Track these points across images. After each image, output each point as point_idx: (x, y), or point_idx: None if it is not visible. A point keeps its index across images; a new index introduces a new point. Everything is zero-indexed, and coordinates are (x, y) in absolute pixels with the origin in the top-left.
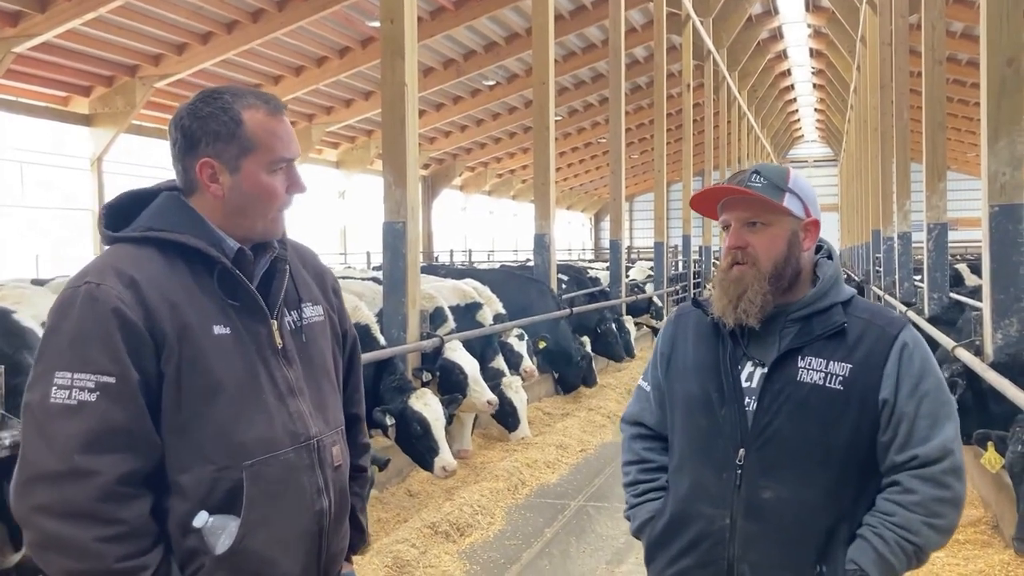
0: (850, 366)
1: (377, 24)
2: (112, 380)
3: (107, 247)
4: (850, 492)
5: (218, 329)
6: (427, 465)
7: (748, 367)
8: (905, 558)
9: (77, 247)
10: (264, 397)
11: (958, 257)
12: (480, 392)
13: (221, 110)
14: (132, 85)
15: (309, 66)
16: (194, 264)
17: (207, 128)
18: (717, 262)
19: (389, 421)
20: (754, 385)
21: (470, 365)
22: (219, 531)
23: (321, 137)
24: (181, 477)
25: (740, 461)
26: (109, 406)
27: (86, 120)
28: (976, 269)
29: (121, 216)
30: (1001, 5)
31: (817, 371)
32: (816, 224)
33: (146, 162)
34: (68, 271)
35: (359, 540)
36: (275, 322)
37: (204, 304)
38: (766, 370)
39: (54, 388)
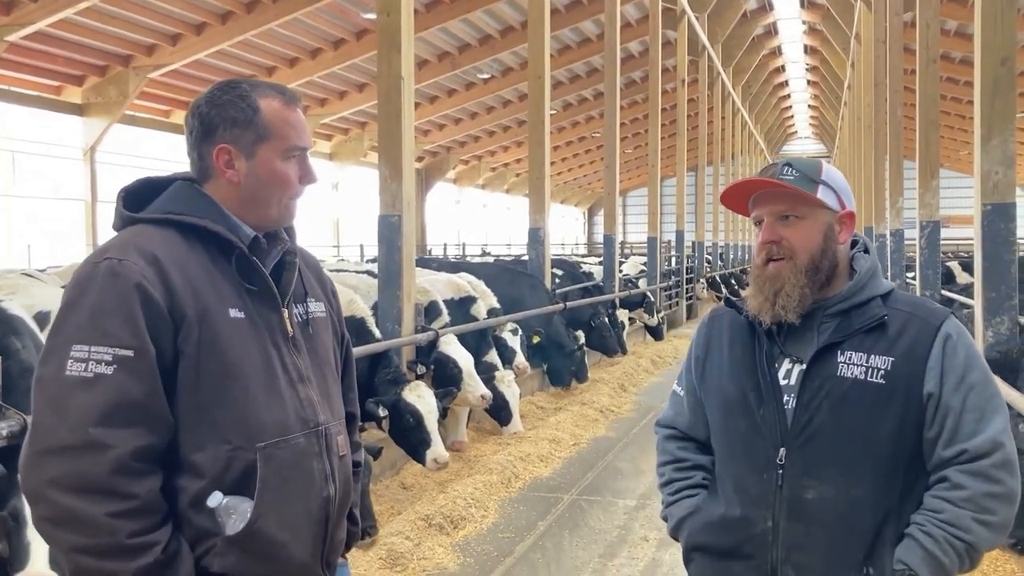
0: (892, 359)
1: (372, 16)
2: (131, 354)
3: (124, 229)
4: (895, 490)
5: (234, 313)
6: (419, 457)
7: (785, 364)
8: (956, 557)
9: (69, 237)
10: (277, 382)
11: (950, 255)
12: (474, 386)
13: (239, 98)
14: (126, 75)
15: (303, 57)
16: (211, 248)
17: (225, 115)
18: (709, 257)
19: (382, 412)
20: (792, 382)
21: (465, 359)
22: (232, 511)
23: (315, 129)
24: (196, 456)
25: (781, 461)
26: (126, 379)
27: (79, 110)
28: (967, 267)
29: (137, 201)
30: (995, 5)
31: (858, 365)
32: (851, 216)
33: (139, 152)
34: (60, 261)
35: (354, 534)
36: (285, 311)
37: (222, 287)
38: (804, 366)
39: (70, 361)
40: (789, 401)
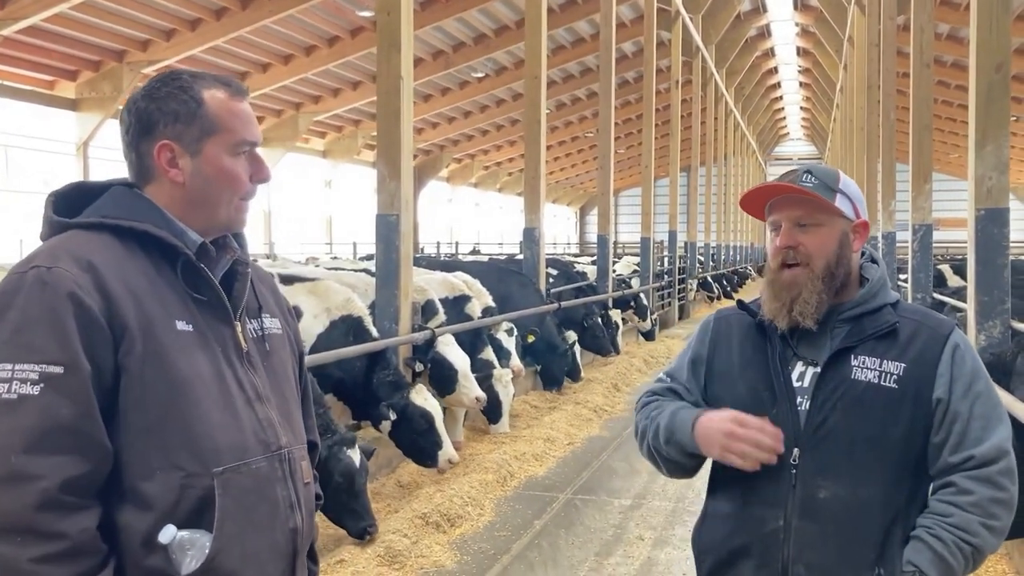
0: (904, 365)
1: (367, 14)
2: (60, 370)
3: (54, 236)
4: (904, 492)
5: (181, 325)
6: (430, 459)
7: (799, 367)
8: (963, 559)
9: None
10: (233, 401)
11: (940, 257)
12: (469, 389)
13: (180, 90)
14: (119, 70)
15: (298, 54)
16: (154, 255)
17: (166, 108)
18: (701, 258)
19: (392, 416)
20: (806, 384)
21: (462, 361)
22: (188, 547)
23: (308, 126)
24: (144, 485)
25: (795, 461)
26: (55, 400)
27: (72, 105)
28: (959, 270)
29: (69, 206)
30: (990, 11)
31: (871, 369)
32: (866, 226)
33: None
34: None
35: (314, 572)
36: (239, 324)
37: (167, 297)
38: (819, 369)
39: None
40: (802, 402)
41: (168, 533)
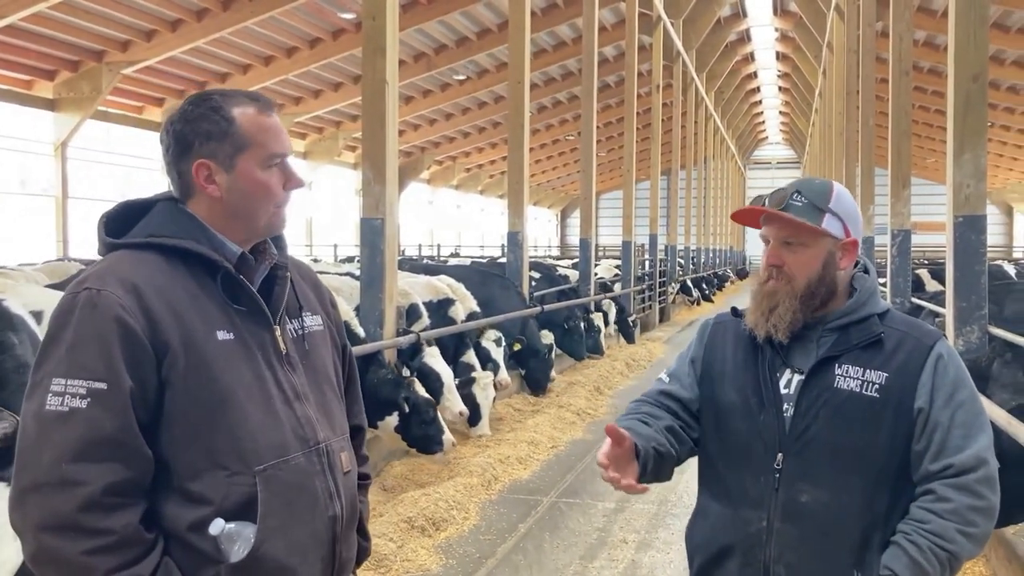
0: (886, 374)
1: (348, 16)
2: (104, 386)
3: (106, 255)
4: (884, 499)
5: (222, 335)
6: (438, 444)
7: (786, 374)
8: (939, 565)
9: (39, 233)
10: (272, 402)
11: (918, 262)
12: (453, 402)
13: (211, 110)
14: (99, 71)
15: (279, 56)
16: (196, 270)
17: (199, 129)
18: (682, 261)
19: (407, 409)
20: (792, 392)
21: (447, 374)
22: (235, 537)
23: (289, 128)
24: (193, 484)
25: (779, 465)
26: (100, 413)
27: (50, 105)
28: (936, 274)
29: (119, 225)
30: (968, 23)
31: (854, 378)
32: (855, 244)
33: (111, 149)
34: (29, 257)
35: (364, 550)
36: (278, 328)
37: (208, 310)
38: (803, 377)
39: (49, 395)
40: (788, 409)
41: (217, 526)
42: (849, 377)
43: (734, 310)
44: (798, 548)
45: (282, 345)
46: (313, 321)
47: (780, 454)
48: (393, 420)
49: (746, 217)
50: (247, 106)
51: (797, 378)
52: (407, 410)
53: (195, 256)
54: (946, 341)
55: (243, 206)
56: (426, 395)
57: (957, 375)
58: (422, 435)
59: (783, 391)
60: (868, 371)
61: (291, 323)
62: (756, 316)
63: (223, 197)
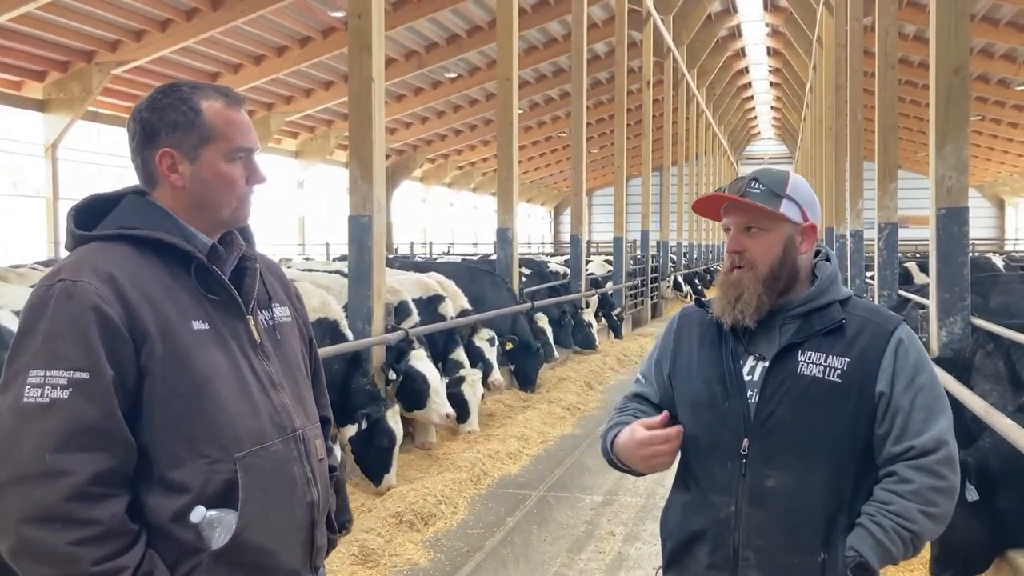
0: (848, 360)
1: (339, 15)
2: (86, 376)
3: (75, 248)
4: (849, 482)
5: (197, 324)
6: (376, 478)
7: (750, 362)
8: (902, 545)
9: (29, 234)
10: (250, 390)
11: (906, 255)
12: (439, 405)
13: (179, 100)
14: (88, 71)
15: (270, 55)
16: (169, 261)
17: (166, 118)
18: (674, 257)
19: (364, 425)
20: (756, 378)
21: (433, 377)
22: (217, 524)
23: (280, 127)
24: (174, 473)
25: (744, 451)
26: (82, 403)
27: (40, 106)
28: (925, 267)
29: (88, 217)
30: (949, 16)
31: (817, 364)
32: (813, 228)
33: (101, 149)
34: (19, 259)
35: (332, 542)
36: (251, 318)
37: (182, 300)
38: (767, 364)
39: (27, 387)
40: (752, 395)
41: (198, 513)
42: (812, 363)
43: (698, 301)
44: (766, 532)
45: (256, 334)
46: (282, 312)
47: (746, 440)
48: (351, 430)
49: (706, 208)
50: (215, 99)
51: (761, 365)
52: (364, 426)
53: (168, 247)
54: (906, 326)
55: (205, 197)
56: (396, 426)
57: (917, 359)
58: (369, 459)
59: (747, 378)
60: (830, 357)
61: (262, 313)
62: (723, 304)
63: (186, 187)
